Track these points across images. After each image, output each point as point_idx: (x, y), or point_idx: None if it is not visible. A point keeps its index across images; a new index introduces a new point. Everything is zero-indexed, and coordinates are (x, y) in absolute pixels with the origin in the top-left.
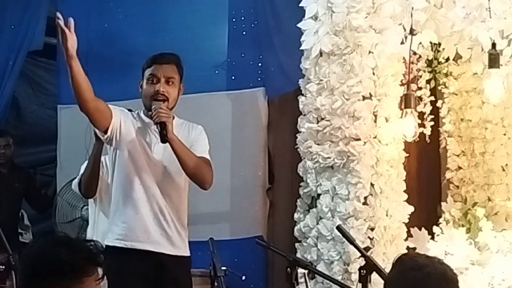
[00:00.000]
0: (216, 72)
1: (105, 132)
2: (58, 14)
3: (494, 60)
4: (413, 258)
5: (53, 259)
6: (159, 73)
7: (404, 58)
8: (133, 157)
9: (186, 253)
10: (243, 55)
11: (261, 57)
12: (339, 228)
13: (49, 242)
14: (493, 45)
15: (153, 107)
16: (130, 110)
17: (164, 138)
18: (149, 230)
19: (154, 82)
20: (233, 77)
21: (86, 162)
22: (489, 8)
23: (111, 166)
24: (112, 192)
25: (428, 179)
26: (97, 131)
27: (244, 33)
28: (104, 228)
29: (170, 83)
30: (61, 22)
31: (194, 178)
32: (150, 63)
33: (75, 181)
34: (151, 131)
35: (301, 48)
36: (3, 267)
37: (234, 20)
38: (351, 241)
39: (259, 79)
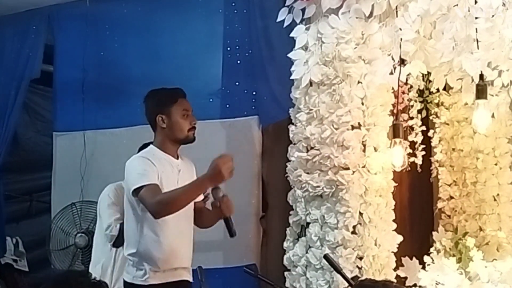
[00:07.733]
0: (211, 100)
1: None
2: None
3: (481, 91)
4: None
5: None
6: (187, 106)
7: (393, 88)
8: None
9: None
10: (237, 83)
11: (255, 85)
12: (326, 257)
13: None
14: (481, 76)
15: (220, 195)
16: (146, 145)
17: (234, 233)
18: (185, 260)
19: (186, 117)
20: (227, 106)
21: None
22: (477, 39)
23: (138, 205)
24: (144, 228)
25: (420, 209)
26: None
27: (238, 62)
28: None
29: (192, 114)
30: None
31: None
32: (176, 98)
33: (110, 233)
34: (173, 166)
35: (291, 77)
36: None
37: (228, 49)
38: (338, 270)
39: (253, 107)
